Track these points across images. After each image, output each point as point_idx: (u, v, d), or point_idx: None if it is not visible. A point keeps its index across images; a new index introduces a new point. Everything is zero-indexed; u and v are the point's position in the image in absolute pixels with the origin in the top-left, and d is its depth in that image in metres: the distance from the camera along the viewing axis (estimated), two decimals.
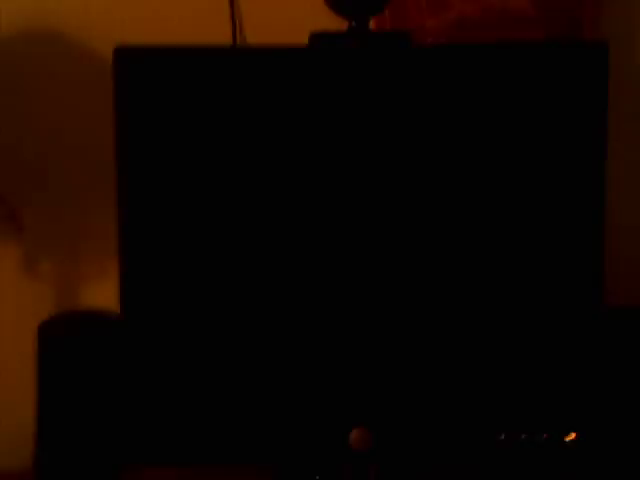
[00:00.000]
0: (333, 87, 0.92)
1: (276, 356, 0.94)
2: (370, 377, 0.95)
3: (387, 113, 0.92)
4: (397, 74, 0.92)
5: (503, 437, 0.94)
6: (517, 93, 0.92)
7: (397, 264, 0.94)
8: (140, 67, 0.92)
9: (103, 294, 1.14)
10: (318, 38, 0.95)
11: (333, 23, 0.97)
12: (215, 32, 1.19)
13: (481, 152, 0.93)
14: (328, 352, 0.94)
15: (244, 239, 0.93)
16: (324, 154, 0.93)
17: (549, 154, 0.93)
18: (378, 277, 0.94)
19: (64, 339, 0.98)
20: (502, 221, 0.94)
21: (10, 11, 1.21)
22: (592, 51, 0.92)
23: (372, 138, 0.92)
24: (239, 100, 0.92)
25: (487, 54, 0.92)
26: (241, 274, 0.93)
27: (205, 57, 0.92)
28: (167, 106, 0.92)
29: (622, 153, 1.01)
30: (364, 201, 0.93)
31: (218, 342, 0.94)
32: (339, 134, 0.92)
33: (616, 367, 0.98)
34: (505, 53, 0.92)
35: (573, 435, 0.95)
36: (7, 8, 1.21)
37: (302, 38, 0.95)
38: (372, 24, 1.01)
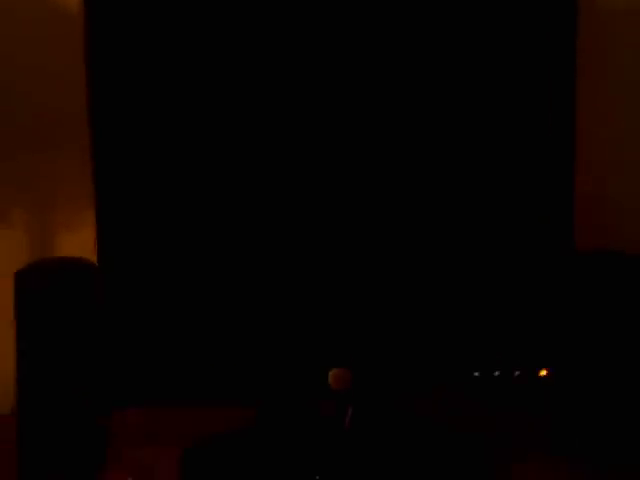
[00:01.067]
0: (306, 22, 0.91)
1: (255, 298, 0.95)
2: (348, 316, 0.96)
3: (360, 52, 0.92)
4: (366, 15, 0.92)
5: (478, 374, 0.96)
6: (488, 37, 0.93)
7: (374, 211, 0.95)
8: (113, 6, 0.90)
9: (79, 242, 1.14)
10: None
11: None
12: None
13: (452, 96, 0.93)
14: (308, 293, 0.96)
15: (219, 184, 0.93)
16: (302, 103, 0.93)
17: (520, 99, 0.94)
18: (357, 224, 0.95)
19: (42, 288, 0.98)
20: (473, 165, 0.95)
21: None
22: None
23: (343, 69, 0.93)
24: (216, 45, 0.91)
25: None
26: (218, 217, 0.94)
27: None
28: (142, 50, 0.91)
29: (588, 94, 1.03)
30: (334, 146, 0.93)
31: (196, 284, 0.95)
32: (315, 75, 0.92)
33: (585, 306, 1.00)
34: None
35: (545, 371, 0.97)
36: None
37: None
38: None
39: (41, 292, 0.98)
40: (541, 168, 0.95)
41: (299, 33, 0.92)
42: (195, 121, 0.92)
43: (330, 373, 0.95)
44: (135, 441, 1.03)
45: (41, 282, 0.99)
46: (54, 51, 1.20)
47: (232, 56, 0.92)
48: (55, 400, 0.98)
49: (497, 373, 0.96)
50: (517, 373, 0.97)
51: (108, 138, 0.92)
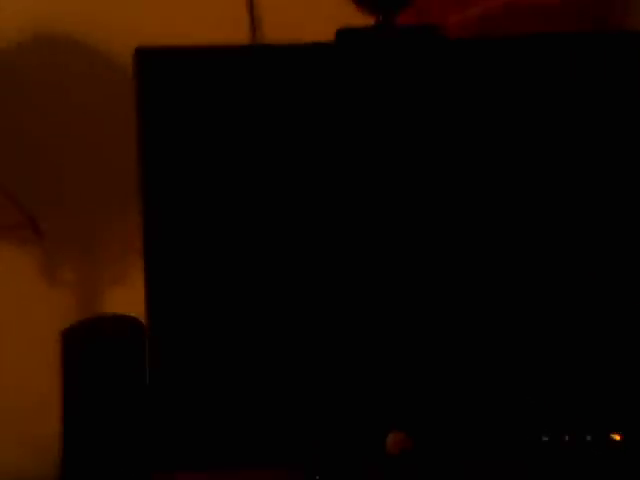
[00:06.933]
0: (363, 85, 0.91)
1: (310, 359, 0.93)
2: (408, 379, 0.93)
3: (421, 108, 0.91)
4: (431, 68, 0.91)
5: (546, 439, 0.92)
6: (552, 85, 0.91)
7: (432, 268, 0.92)
8: (161, 67, 0.91)
9: (125, 299, 1.13)
10: (346, 34, 0.93)
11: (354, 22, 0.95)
12: (233, 33, 1.19)
13: (515, 145, 0.91)
14: (365, 355, 0.93)
15: (269, 241, 0.92)
16: (355, 152, 0.91)
17: (583, 147, 0.92)
18: (417, 284, 0.92)
19: (88, 346, 0.98)
20: (542, 217, 0.92)
21: (26, 16, 1.21)
22: (628, 41, 0.91)
23: (404, 133, 0.91)
24: (264, 100, 0.91)
25: (522, 46, 0.91)
26: (268, 275, 0.92)
27: (229, 57, 0.91)
28: (189, 107, 0.91)
29: None
30: (393, 198, 0.92)
31: (247, 344, 0.93)
32: (369, 131, 0.91)
33: None
34: (541, 45, 0.91)
35: (617, 436, 0.93)
36: (22, 13, 1.21)
37: (323, 38, 0.94)
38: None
39: (87, 350, 0.97)
40: (614, 219, 0.92)
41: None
42: (241, 181, 0.92)
43: (388, 437, 0.92)
44: None
45: (87, 340, 0.98)
46: (102, 108, 1.22)
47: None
48: (99, 461, 0.96)
49: (567, 438, 0.92)
50: (589, 438, 0.92)
51: (157, 194, 0.92)
